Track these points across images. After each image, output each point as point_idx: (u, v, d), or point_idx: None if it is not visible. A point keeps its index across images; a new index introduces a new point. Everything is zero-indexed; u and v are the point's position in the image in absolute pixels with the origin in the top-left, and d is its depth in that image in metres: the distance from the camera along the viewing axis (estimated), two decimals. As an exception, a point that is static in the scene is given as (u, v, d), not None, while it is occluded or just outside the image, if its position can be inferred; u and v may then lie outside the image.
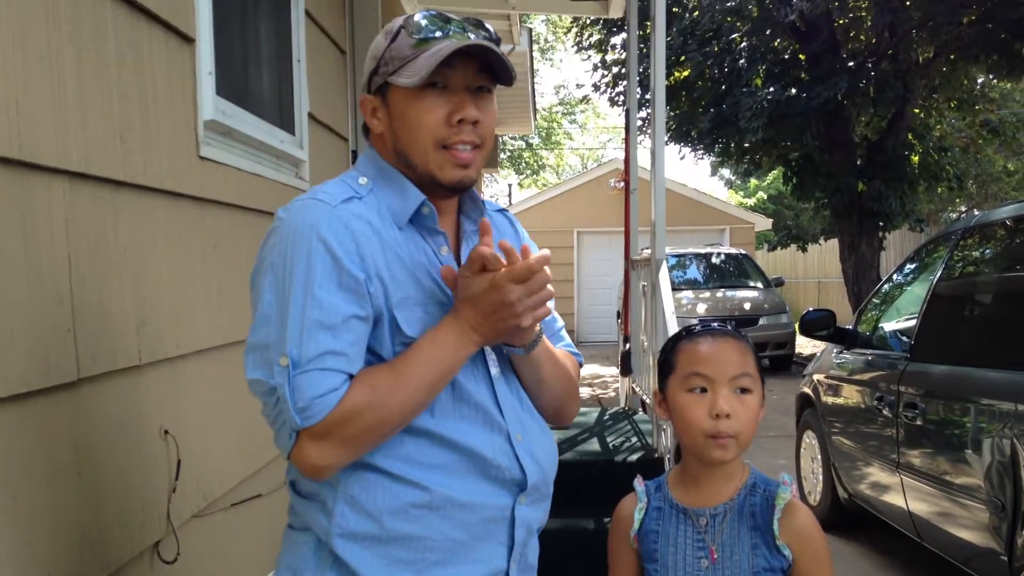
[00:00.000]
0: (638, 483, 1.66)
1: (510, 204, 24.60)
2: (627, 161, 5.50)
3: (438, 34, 1.33)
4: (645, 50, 6.02)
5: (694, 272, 14.61)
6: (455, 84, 1.34)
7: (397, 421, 1.27)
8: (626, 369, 5.45)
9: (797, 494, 1.56)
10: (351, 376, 1.25)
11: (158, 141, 1.98)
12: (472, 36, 1.33)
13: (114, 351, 1.77)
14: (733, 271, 14.59)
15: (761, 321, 12.82)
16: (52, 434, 1.55)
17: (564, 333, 1.63)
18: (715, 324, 1.62)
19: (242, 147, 2.53)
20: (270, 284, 1.27)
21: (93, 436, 1.69)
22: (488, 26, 1.40)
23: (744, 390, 1.50)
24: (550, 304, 1.57)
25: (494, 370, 1.41)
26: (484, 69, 1.36)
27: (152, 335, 1.93)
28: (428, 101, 1.33)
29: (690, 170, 65.06)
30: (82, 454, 1.64)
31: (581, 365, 1.63)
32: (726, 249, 15.66)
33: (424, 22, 1.34)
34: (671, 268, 14.42)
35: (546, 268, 1.31)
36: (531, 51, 7.56)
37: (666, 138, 13.95)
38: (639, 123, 6.35)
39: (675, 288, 13.93)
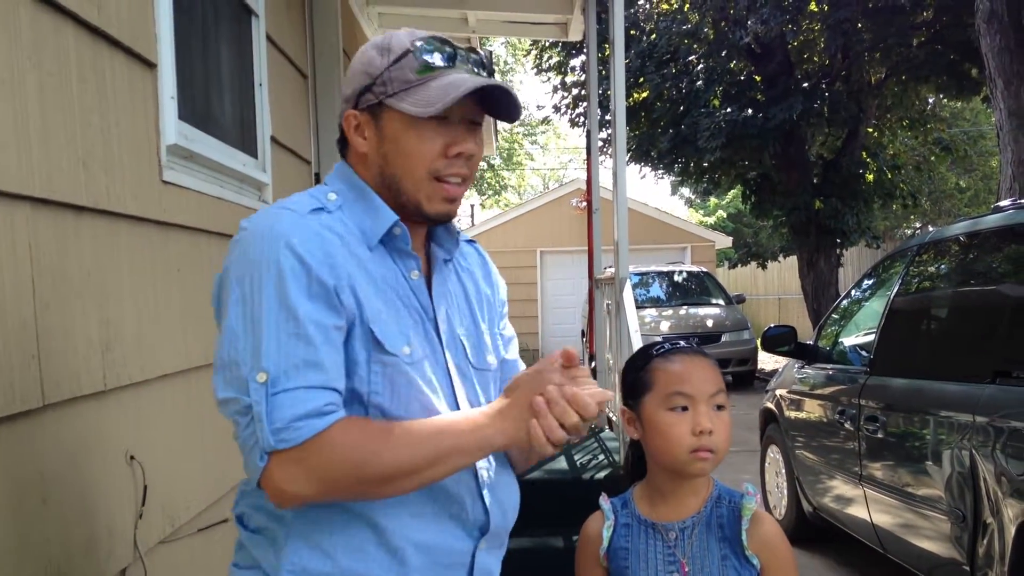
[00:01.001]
0: (603, 501, 1.67)
1: (472, 224, 24.64)
2: (589, 181, 5.56)
3: (444, 63, 1.29)
4: (604, 72, 6.10)
5: (657, 290, 14.73)
6: (455, 116, 1.30)
7: (384, 476, 1.19)
8: (591, 387, 5.47)
9: (761, 503, 1.60)
10: (337, 392, 1.19)
11: (120, 166, 1.97)
12: (477, 71, 1.31)
13: (79, 376, 1.75)
14: (695, 288, 14.74)
15: (724, 338, 12.95)
16: (16, 461, 1.53)
17: (516, 351, 1.60)
18: (681, 343, 1.65)
19: (205, 171, 2.52)
20: (237, 298, 1.20)
21: (58, 463, 1.67)
22: (482, 53, 1.37)
23: (720, 407, 1.54)
24: (515, 343, 1.58)
25: (464, 407, 1.35)
26: (481, 101, 1.32)
27: (117, 360, 1.92)
28: (428, 131, 1.29)
29: (651, 189, 65.84)
30: (47, 482, 1.62)
31: None
32: (688, 267, 15.82)
33: (432, 49, 1.30)
34: (634, 286, 14.56)
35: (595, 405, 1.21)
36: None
37: (627, 158, 14.20)
38: (600, 143, 6.42)
39: (639, 306, 13.94)
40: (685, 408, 1.53)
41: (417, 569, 1.26)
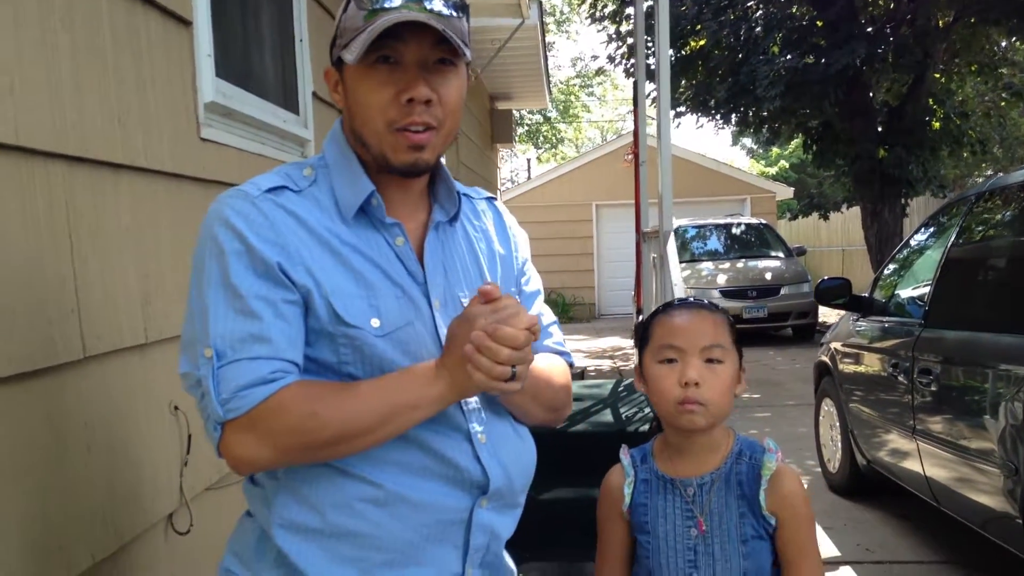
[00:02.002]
0: (623, 454, 1.67)
1: (528, 178, 24.55)
2: (636, 133, 5.50)
3: (391, 4, 1.20)
4: (653, 21, 5.97)
5: (714, 243, 14.55)
6: (407, 59, 1.23)
7: (332, 437, 1.18)
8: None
9: (781, 458, 1.57)
10: (288, 362, 1.19)
11: (158, 124, 2.01)
12: (429, 6, 1.21)
13: (120, 329, 1.81)
14: (754, 241, 14.52)
15: (782, 291, 12.77)
16: (60, 411, 1.60)
17: (555, 329, 1.54)
18: (691, 298, 1.64)
19: (244, 128, 2.56)
20: (194, 279, 1.23)
21: (102, 412, 1.74)
22: None
23: (714, 360, 1.52)
24: (539, 299, 1.53)
25: None
26: (442, 40, 1.22)
27: (158, 313, 1.97)
28: (377, 78, 1.23)
29: (711, 140, 64.55)
30: (92, 430, 1.69)
31: (572, 367, 1.53)
32: (746, 219, 15.57)
33: None
34: (691, 239, 14.42)
35: (526, 328, 1.17)
36: (542, 24, 7.52)
37: (683, 108, 13.94)
38: (649, 95, 6.32)
39: (695, 259, 13.90)
40: (673, 360, 1.52)
41: (409, 525, 1.25)
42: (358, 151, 1.32)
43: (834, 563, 4.29)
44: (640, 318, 5.47)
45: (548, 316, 1.54)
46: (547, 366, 1.43)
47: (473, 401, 1.32)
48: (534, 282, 1.55)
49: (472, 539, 1.31)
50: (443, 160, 1.39)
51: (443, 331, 1.29)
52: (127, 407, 1.85)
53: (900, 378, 4.24)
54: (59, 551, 1.55)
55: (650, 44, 5.91)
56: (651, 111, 5.66)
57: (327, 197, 1.29)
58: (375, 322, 1.25)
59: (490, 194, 1.58)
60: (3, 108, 1.45)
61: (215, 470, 2.25)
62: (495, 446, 1.33)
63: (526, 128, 29.21)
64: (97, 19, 1.78)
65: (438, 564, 1.29)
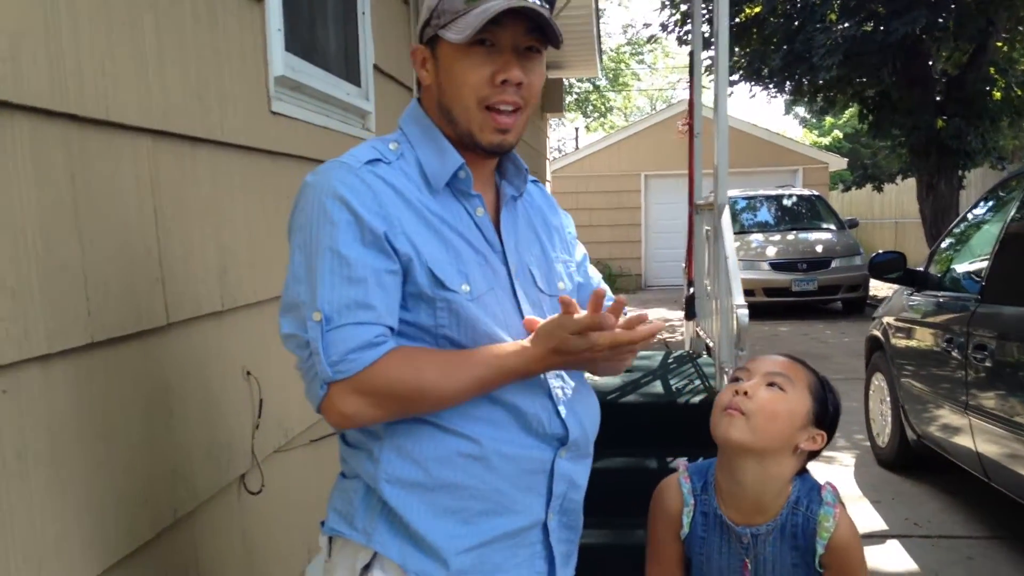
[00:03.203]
0: (683, 475, 1.70)
1: (576, 148, 24.41)
2: (691, 103, 5.45)
3: None
4: (711, -11, 5.90)
5: (764, 214, 14.38)
6: (503, 43, 1.33)
7: (429, 404, 1.30)
8: (690, 313, 5.47)
9: (840, 507, 1.59)
10: (387, 328, 1.28)
11: (232, 98, 2.08)
12: None
13: (198, 298, 1.89)
14: (805, 213, 14.33)
15: (834, 264, 12.61)
16: (146, 375, 1.68)
17: (604, 286, 1.63)
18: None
19: (311, 101, 2.62)
20: (299, 244, 1.31)
21: (182, 376, 1.83)
22: None
23: (775, 385, 1.57)
24: (587, 261, 1.66)
25: None
26: (535, 29, 1.33)
27: (233, 283, 2.05)
28: (474, 59, 1.32)
29: (763, 109, 63.49)
30: (173, 393, 1.78)
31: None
32: (798, 190, 15.34)
33: None
34: (741, 210, 14.28)
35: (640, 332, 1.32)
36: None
37: (736, 77, 13.75)
38: (705, 64, 6.26)
39: (745, 231, 13.77)
40: (738, 379, 1.60)
41: (503, 476, 1.35)
42: (443, 128, 1.40)
43: (881, 536, 4.31)
44: (691, 290, 5.48)
45: (595, 276, 1.68)
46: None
47: None
48: (581, 249, 1.68)
49: (555, 487, 1.42)
50: None
51: (521, 295, 1.42)
52: (204, 372, 1.93)
53: (954, 353, 4.21)
54: (144, 504, 1.65)
55: (707, 11, 5.85)
56: (706, 81, 5.61)
57: (414, 169, 1.38)
58: (465, 287, 1.34)
59: (533, 177, 1.65)
60: (96, 86, 1.52)
61: (283, 434, 2.34)
62: (571, 401, 1.45)
63: (575, 96, 28.99)
64: (178, -2, 1.84)
65: (527, 512, 1.39)
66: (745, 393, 1.54)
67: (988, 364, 3.85)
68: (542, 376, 1.40)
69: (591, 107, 30.41)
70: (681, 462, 1.74)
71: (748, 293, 12.46)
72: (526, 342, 1.34)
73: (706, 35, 6.98)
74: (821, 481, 1.64)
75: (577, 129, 31.82)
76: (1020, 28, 12.53)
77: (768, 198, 14.63)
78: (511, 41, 1.33)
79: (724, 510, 1.63)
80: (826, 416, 1.60)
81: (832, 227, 13.77)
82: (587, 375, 1.55)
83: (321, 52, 2.76)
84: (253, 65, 2.22)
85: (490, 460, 1.34)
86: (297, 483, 2.46)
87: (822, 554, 1.56)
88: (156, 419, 1.71)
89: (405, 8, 3.89)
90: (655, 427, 3.86)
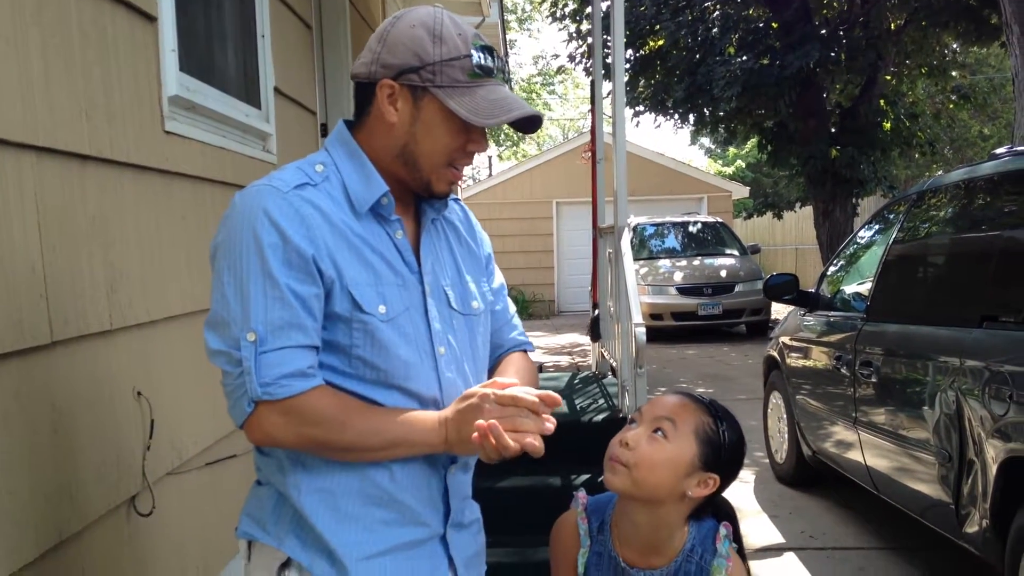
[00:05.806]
0: (580, 516, 1.70)
1: (490, 175, 24.58)
2: (593, 131, 5.60)
3: (490, 72, 1.42)
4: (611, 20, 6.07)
5: (672, 240, 14.78)
6: None
7: (346, 445, 1.36)
8: (595, 335, 5.58)
9: (733, 559, 1.62)
10: (315, 348, 1.35)
11: (123, 117, 2.07)
12: (507, 83, 1.46)
13: (86, 315, 1.87)
14: (710, 239, 14.77)
15: (737, 288, 13.01)
16: (28, 392, 1.65)
17: (517, 320, 1.74)
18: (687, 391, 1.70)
19: (207, 121, 2.61)
20: (228, 266, 1.34)
21: (68, 395, 1.80)
22: (501, 59, 1.48)
23: (660, 430, 1.56)
24: (504, 291, 1.71)
25: (440, 348, 1.48)
26: (523, 124, 1.47)
27: (123, 301, 2.03)
28: (456, 125, 1.41)
29: (671, 139, 65.05)
30: (58, 412, 1.75)
31: (531, 352, 1.74)
32: (703, 217, 15.81)
33: (482, 57, 1.41)
34: (649, 237, 14.62)
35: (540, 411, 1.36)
36: (503, 22, 7.60)
37: (642, 107, 14.11)
38: (606, 93, 6.43)
39: (653, 256, 14.11)
40: (633, 422, 1.61)
41: (405, 490, 1.44)
42: (393, 165, 1.45)
43: (778, 549, 4.45)
44: (596, 312, 5.59)
45: (510, 308, 1.74)
46: (517, 362, 1.66)
47: (451, 379, 1.49)
48: (498, 277, 1.73)
49: (452, 503, 1.50)
50: None
51: (433, 315, 1.48)
52: (93, 391, 1.90)
53: (843, 370, 4.40)
54: (28, 527, 1.61)
55: (608, 42, 6.02)
56: (608, 109, 5.76)
57: (339, 191, 1.43)
58: (382, 308, 1.40)
59: (456, 196, 1.72)
60: (-24, 100, 1.50)
61: (176, 455, 2.31)
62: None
63: (487, 125, 29.11)
64: (66, 15, 1.83)
65: (427, 525, 1.47)
66: (627, 444, 1.56)
67: (874, 380, 4.04)
68: (438, 394, 1.46)
69: (503, 135, 30.68)
70: (580, 496, 1.73)
71: (657, 317, 12.82)
72: (447, 412, 1.40)
73: (609, 64, 7.16)
74: (719, 525, 1.65)
75: (490, 157, 32.04)
76: (908, 63, 13.23)
77: (675, 225, 15.03)
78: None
79: (620, 549, 1.63)
80: (718, 459, 1.58)
81: (736, 253, 14.22)
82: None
83: (219, 73, 2.76)
84: (146, 84, 2.21)
85: (393, 471, 1.41)
86: (192, 507, 2.42)
87: None
88: (40, 439, 1.68)
89: (308, 33, 3.91)
90: (560, 445, 3.91)
